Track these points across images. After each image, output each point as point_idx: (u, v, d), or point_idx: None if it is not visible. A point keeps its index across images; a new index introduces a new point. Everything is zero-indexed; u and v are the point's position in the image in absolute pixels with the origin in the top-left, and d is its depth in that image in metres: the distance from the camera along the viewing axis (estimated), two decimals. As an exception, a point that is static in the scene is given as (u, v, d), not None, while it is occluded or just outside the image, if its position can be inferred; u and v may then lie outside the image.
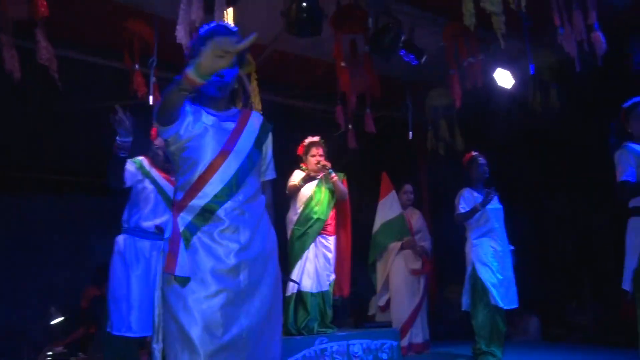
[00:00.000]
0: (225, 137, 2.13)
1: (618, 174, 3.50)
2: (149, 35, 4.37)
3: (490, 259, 4.89)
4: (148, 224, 3.40)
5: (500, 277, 4.86)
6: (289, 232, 4.87)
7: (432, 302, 6.10)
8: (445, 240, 5.42)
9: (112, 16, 4.49)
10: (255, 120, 2.24)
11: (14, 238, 6.10)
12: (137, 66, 4.48)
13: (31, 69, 3.93)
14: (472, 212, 4.89)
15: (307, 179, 4.87)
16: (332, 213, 4.95)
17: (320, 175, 4.92)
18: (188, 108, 2.11)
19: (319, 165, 4.84)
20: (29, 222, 6.16)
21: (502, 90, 5.70)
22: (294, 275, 4.71)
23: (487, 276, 4.85)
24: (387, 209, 5.84)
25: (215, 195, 2.05)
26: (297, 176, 4.91)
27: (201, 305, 1.97)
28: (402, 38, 4.90)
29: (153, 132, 3.57)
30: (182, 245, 2.01)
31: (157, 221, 3.39)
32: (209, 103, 2.18)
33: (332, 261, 4.91)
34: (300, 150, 5.02)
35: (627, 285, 3.53)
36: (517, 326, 6.78)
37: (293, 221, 4.87)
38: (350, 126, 5.53)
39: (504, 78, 5.65)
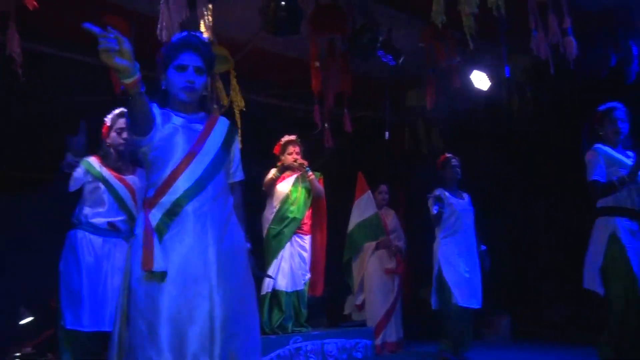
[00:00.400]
0: (194, 138, 2.23)
1: (588, 173, 3.64)
2: (127, 32, 4.30)
3: (455, 258, 4.97)
4: (100, 220, 3.35)
5: (467, 276, 4.94)
6: (264, 231, 4.87)
7: (406, 302, 6.14)
8: (420, 240, 5.47)
9: (91, 12, 4.40)
10: (222, 125, 2.35)
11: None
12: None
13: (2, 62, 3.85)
14: (438, 215, 5.01)
15: (282, 169, 4.86)
16: (308, 212, 4.96)
17: (297, 173, 4.92)
18: (156, 110, 2.19)
19: (295, 164, 4.84)
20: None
21: (479, 92, 5.77)
22: (269, 273, 4.70)
23: (451, 275, 4.92)
24: (363, 208, 5.86)
25: (184, 192, 2.13)
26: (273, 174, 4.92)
27: (170, 303, 2.02)
28: (380, 39, 4.92)
29: (104, 130, 3.47)
30: (156, 241, 2.06)
31: (110, 219, 3.35)
32: (178, 107, 2.28)
33: (308, 260, 4.92)
34: (276, 149, 5.01)
35: (589, 284, 3.64)
36: (489, 324, 6.87)
37: (269, 220, 4.86)
38: (326, 125, 5.53)
39: (480, 80, 5.71)
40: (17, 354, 4.85)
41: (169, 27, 3.62)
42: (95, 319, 3.20)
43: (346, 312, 6.14)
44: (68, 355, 3.31)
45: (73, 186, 3.37)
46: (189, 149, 2.19)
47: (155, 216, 2.12)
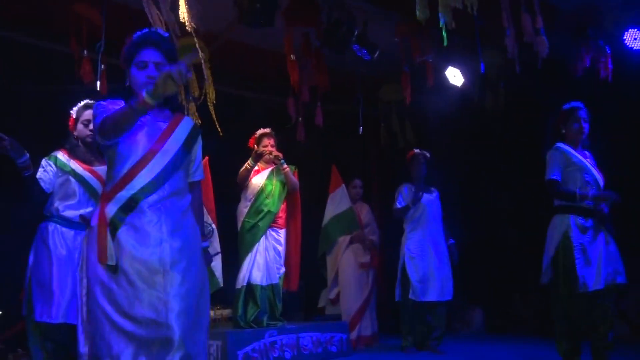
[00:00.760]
0: (156, 136, 2.27)
1: (547, 172, 3.77)
2: (97, 20, 4.24)
3: (420, 252, 5.06)
4: (72, 213, 3.35)
5: (432, 270, 5.01)
6: (239, 225, 4.84)
7: (380, 295, 6.19)
8: (394, 234, 5.51)
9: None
10: (185, 125, 2.38)
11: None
12: (85, 52, 4.35)
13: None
14: (405, 209, 5.17)
15: (256, 157, 4.82)
16: (283, 206, 4.94)
17: (272, 166, 4.90)
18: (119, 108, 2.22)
19: (270, 156, 4.82)
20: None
21: (453, 87, 5.82)
22: (244, 267, 4.68)
23: (413, 270, 5.04)
24: (337, 202, 5.87)
25: (142, 188, 2.18)
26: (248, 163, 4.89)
27: (125, 295, 2.07)
28: (356, 33, 4.93)
29: (70, 122, 3.46)
30: (109, 235, 2.14)
31: (82, 211, 3.34)
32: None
33: (283, 254, 4.91)
34: (251, 143, 4.98)
35: (544, 279, 3.78)
36: (462, 319, 6.96)
37: (243, 213, 4.83)
38: (300, 119, 5.53)
39: (454, 76, 5.77)
40: (-15, 349, 4.75)
41: (155, 13, 3.58)
42: (64, 311, 3.20)
43: (320, 305, 6.15)
44: (37, 348, 3.32)
45: (50, 186, 3.36)
46: (150, 146, 2.23)
47: (111, 210, 2.17)
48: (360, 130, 6.05)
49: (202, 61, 4.21)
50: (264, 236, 4.78)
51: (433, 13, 3.97)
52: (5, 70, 3.72)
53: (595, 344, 3.56)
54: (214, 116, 4.48)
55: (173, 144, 2.29)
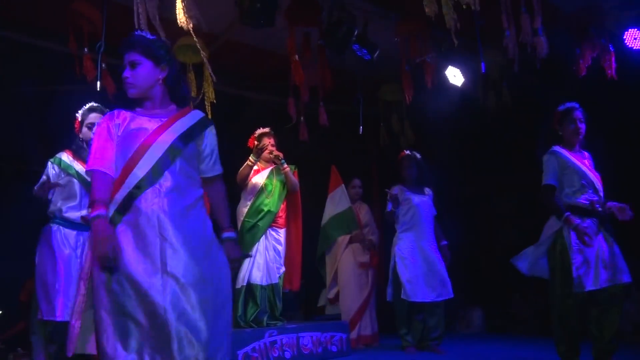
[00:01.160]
0: (149, 132, 2.26)
1: (544, 176, 3.75)
2: (97, 19, 4.23)
3: (411, 253, 5.04)
4: (74, 214, 3.45)
5: (425, 271, 5.00)
6: (239, 224, 4.83)
7: (380, 295, 6.18)
8: (393, 234, 5.50)
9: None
10: (190, 117, 2.37)
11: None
12: (85, 50, 4.35)
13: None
14: (391, 213, 5.17)
15: (258, 152, 4.80)
16: (283, 205, 4.94)
17: (272, 166, 4.90)
18: (118, 121, 2.28)
19: (271, 155, 4.82)
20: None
21: (453, 87, 5.81)
22: (244, 267, 4.68)
23: (404, 270, 5.01)
24: (336, 202, 5.87)
25: (136, 185, 2.17)
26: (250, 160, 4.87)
27: (127, 294, 2.07)
28: (356, 32, 4.93)
29: (76, 125, 3.55)
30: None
31: (84, 212, 3.41)
32: (142, 104, 2.37)
33: (282, 254, 4.91)
34: (251, 142, 4.97)
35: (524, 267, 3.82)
36: (462, 319, 6.96)
37: (243, 213, 4.83)
38: (302, 118, 5.52)
39: (454, 76, 5.76)
40: (-13, 349, 4.76)
41: (144, 17, 3.58)
42: (70, 309, 3.21)
43: (320, 304, 6.16)
44: (40, 349, 3.40)
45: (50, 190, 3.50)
46: (142, 141, 2.24)
47: (109, 212, 2.18)
48: (360, 130, 6.04)
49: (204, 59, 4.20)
50: (263, 236, 4.78)
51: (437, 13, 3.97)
52: (5, 70, 3.73)
53: (597, 346, 3.54)
54: (209, 115, 4.47)
55: (168, 136, 2.27)
